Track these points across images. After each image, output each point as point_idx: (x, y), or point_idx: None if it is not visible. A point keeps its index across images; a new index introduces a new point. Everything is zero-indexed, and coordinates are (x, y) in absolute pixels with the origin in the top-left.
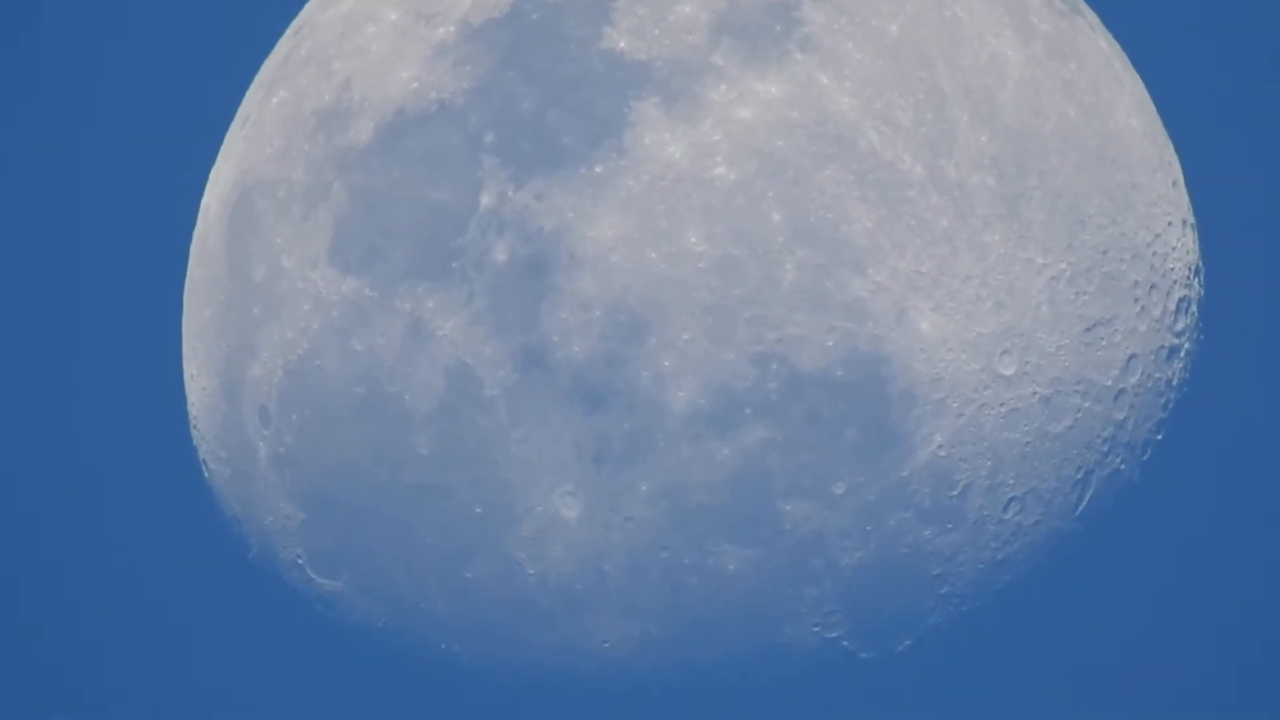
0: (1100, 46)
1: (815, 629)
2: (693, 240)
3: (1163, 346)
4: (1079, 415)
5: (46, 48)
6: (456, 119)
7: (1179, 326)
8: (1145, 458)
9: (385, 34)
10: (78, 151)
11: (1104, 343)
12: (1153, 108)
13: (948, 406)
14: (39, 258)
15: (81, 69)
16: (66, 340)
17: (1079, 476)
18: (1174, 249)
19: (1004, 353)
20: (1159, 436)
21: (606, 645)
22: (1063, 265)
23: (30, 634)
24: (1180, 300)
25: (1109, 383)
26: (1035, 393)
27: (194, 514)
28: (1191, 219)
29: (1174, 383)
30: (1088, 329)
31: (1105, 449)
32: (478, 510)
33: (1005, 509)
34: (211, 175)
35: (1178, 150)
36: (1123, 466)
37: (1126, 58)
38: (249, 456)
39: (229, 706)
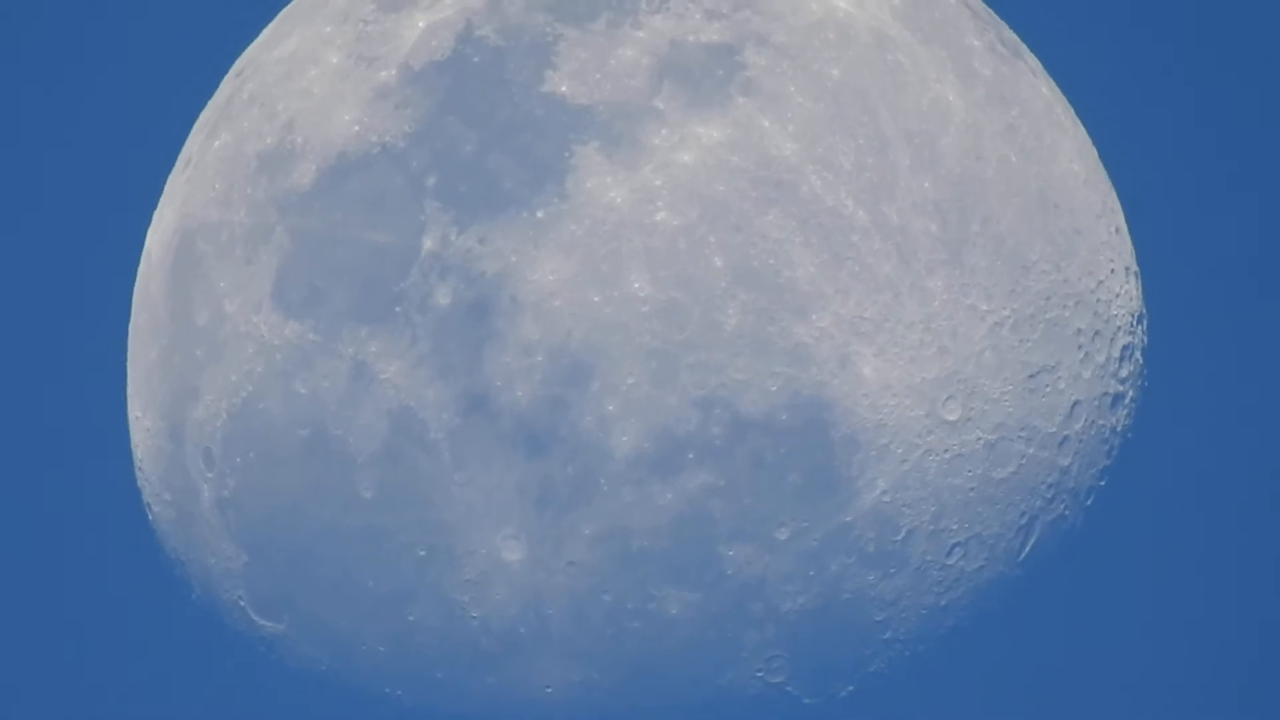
0: (1042, 92)
1: (758, 674)
2: (635, 285)
3: (1106, 393)
4: (1023, 461)
5: None
6: (398, 162)
7: (1123, 373)
8: (1089, 503)
9: (327, 76)
10: (20, 196)
11: (1048, 389)
12: (1095, 153)
13: (891, 452)
14: None
15: (23, 112)
16: (11, 382)
17: (1023, 522)
18: (1117, 295)
19: (948, 398)
20: (1103, 482)
21: (549, 690)
22: (1006, 311)
23: None
24: (1124, 347)
25: (1053, 429)
26: (979, 438)
27: (137, 556)
28: (1134, 266)
29: (1118, 429)
30: (1031, 375)
31: (1049, 495)
32: (420, 553)
33: (949, 554)
34: (154, 218)
35: (1120, 196)
36: (1067, 512)
37: (1068, 103)
38: (193, 498)
39: None
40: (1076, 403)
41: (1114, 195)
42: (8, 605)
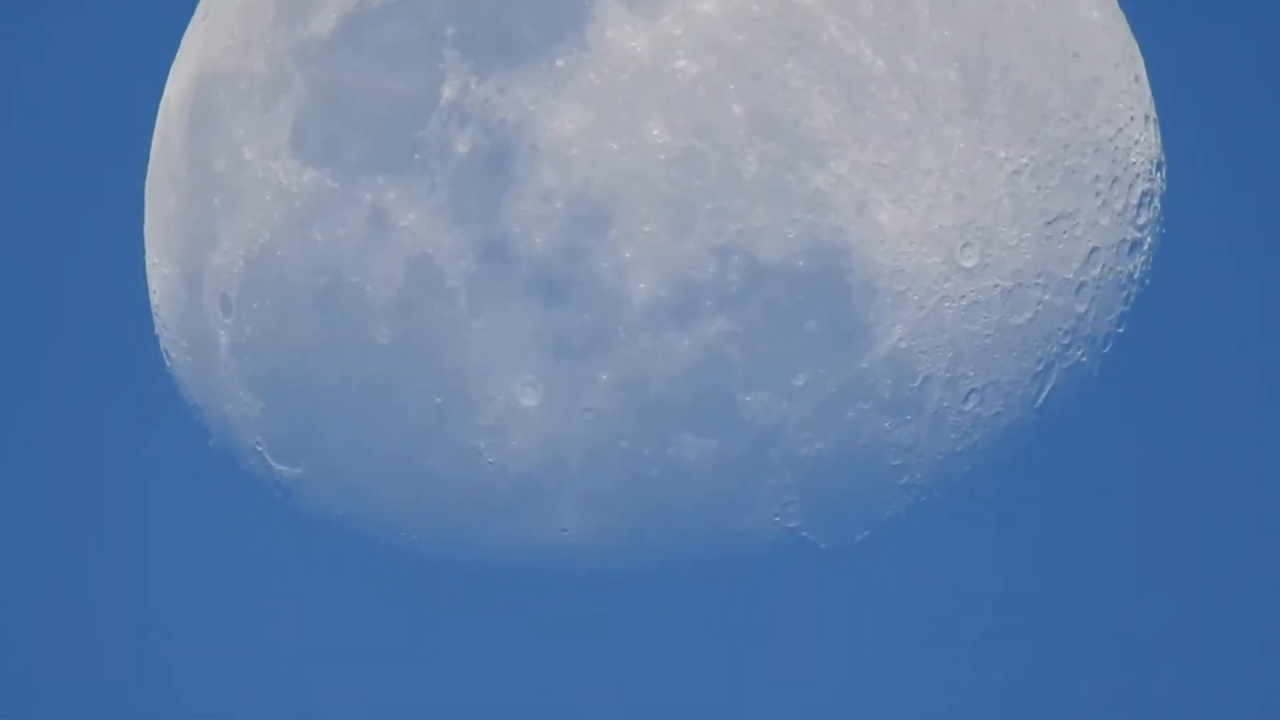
0: None
1: (774, 519)
2: (654, 133)
3: (1124, 240)
4: (1040, 308)
5: None
6: (418, 12)
7: (1141, 220)
8: (1106, 350)
9: None
10: (39, 45)
11: (1065, 236)
12: (1114, 1)
13: (908, 299)
14: (4, 147)
15: None
16: (29, 228)
17: (1039, 369)
18: (1136, 143)
19: (965, 245)
20: (1120, 329)
21: (565, 534)
22: (1024, 159)
23: None
24: (1143, 194)
25: (1070, 275)
26: (996, 285)
27: (155, 401)
28: (1153, 114)
29: (1135, 276)
30: (1049, 222)
31: (1066, 341)
32: (437, 400)
33: (965, 401)
34: (173, 69)
35: (1139, 44)
36: (1083, 359)
37: None
38: (209, 345)
39: (187, 593)
40: (1094, 249)
41: (1134, 43)
42: (24, 451)
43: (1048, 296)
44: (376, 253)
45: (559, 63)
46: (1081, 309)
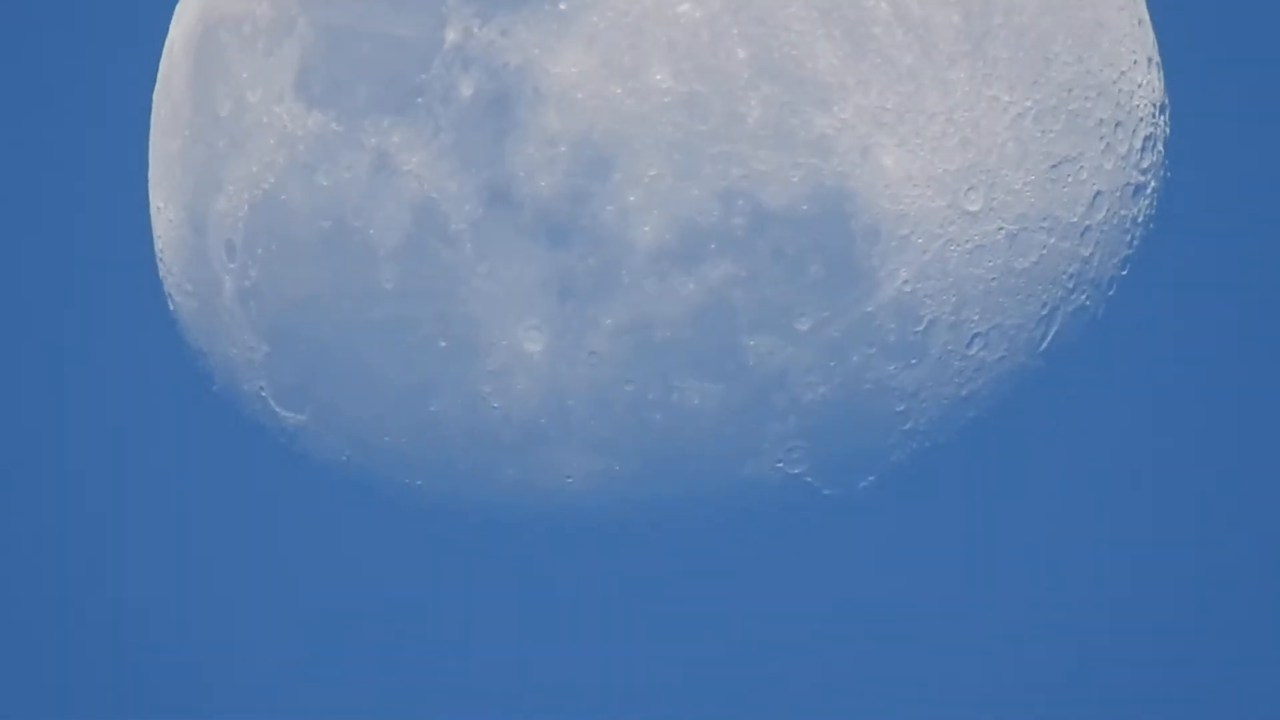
0: None
1: (778, 465)
2: (658, 77)
3: (1129, 183)
4: (1044, 251)
5: None
6: None
7: (1145, 164)
8: (1111, 294)
9: None
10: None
11: (1070, 179)
12: None
13: (912, 242)
14: (4, 93)
15: None
16: (34, 172)
17: (1044, 312)
18: (1139, 86)
19: (969, 189)
20: (1124, 273)
21: (570, 480)
22: (1028, 103)
23: None
24: (1146, 138)
25: (1075, 219)
26: (1001, 229)
27: (159, 345)
28: (1156, 57)
29: (1140, 220)
30: (1053, 166)
31: (1070, 285)
32: (442, 344)
33: (969, 345)
34: (176, 12)
35: None
36: (1088, 303)
37: None
38: (214, 289)
39: (191, 538)
40: (1098, 193)
41: None
42: (30, 393)
43: (1052, 240)
44: (381, 197)
45: (562, 6)
46: (1086, 253)
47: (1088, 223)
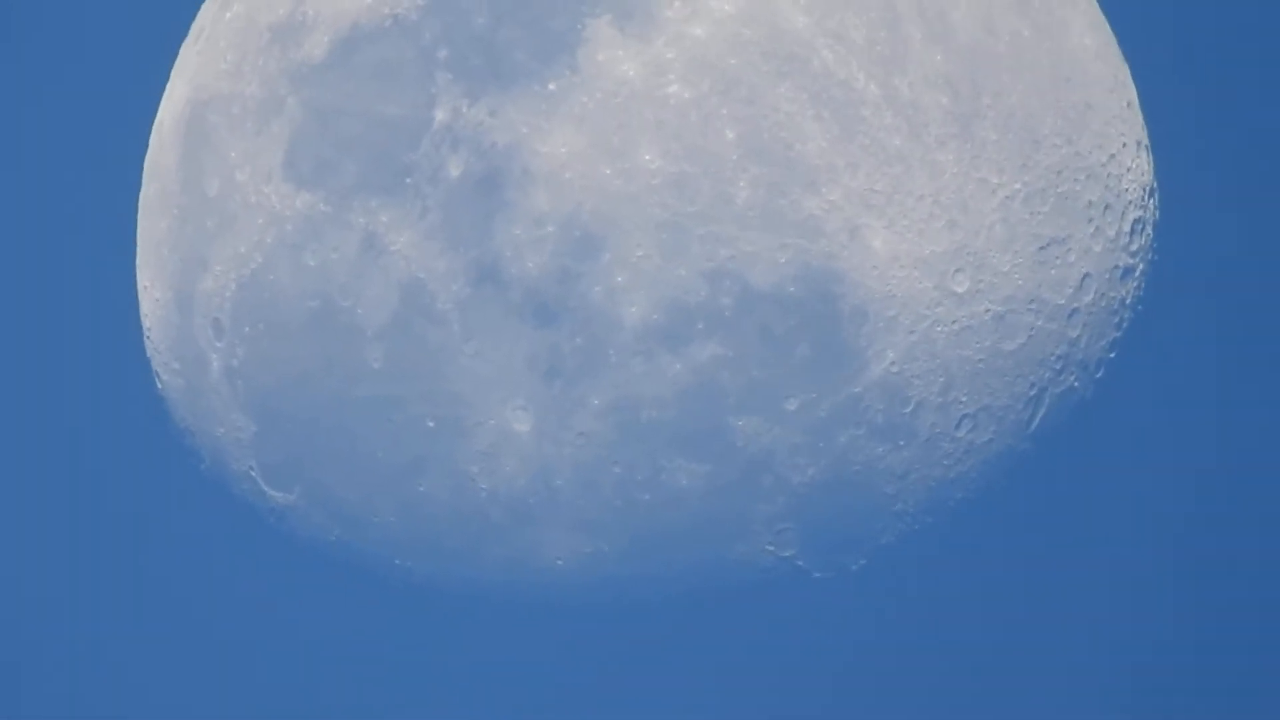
0: None
1: (768, 547)
2: (646, 157)
3: (1117, 266)
4: (1032, 333)
5: None
6: (410, 34)
7: (1133, 246)
8: (1099, 376)
9: None
10: (33, 65)
11: (1058, 261)
12: (1107, 27)
13: (900, 323)
14: None
15: None
16: (22, 249)
17: (1032, 394)
18: (1129, 170)
19: (957, 270)
20: (1112, 355)
21: (559, 561)
22: (1017, 185)
23: None
24: (1135, 221)
25: (1062, 301)
26: (988, 310)
27: (147, 426)
28: (1146, 140)
29: (1128, 302)
30: (1041, 248)
31: (1059, 367)
32: (430, 424)
33: (958, 426)
34: (166, 90)
35: (1132, 71)
36: (1076, 384)
37: None
38: (201, 368)
39: (179, 617)
40: (1086, 275)
41: (1126, 70)
42: (17, 473)
43: (1040, 322)
44: (369, 276)
45: (551, 86)
46: (1074, 334)
47: (1076, 305)
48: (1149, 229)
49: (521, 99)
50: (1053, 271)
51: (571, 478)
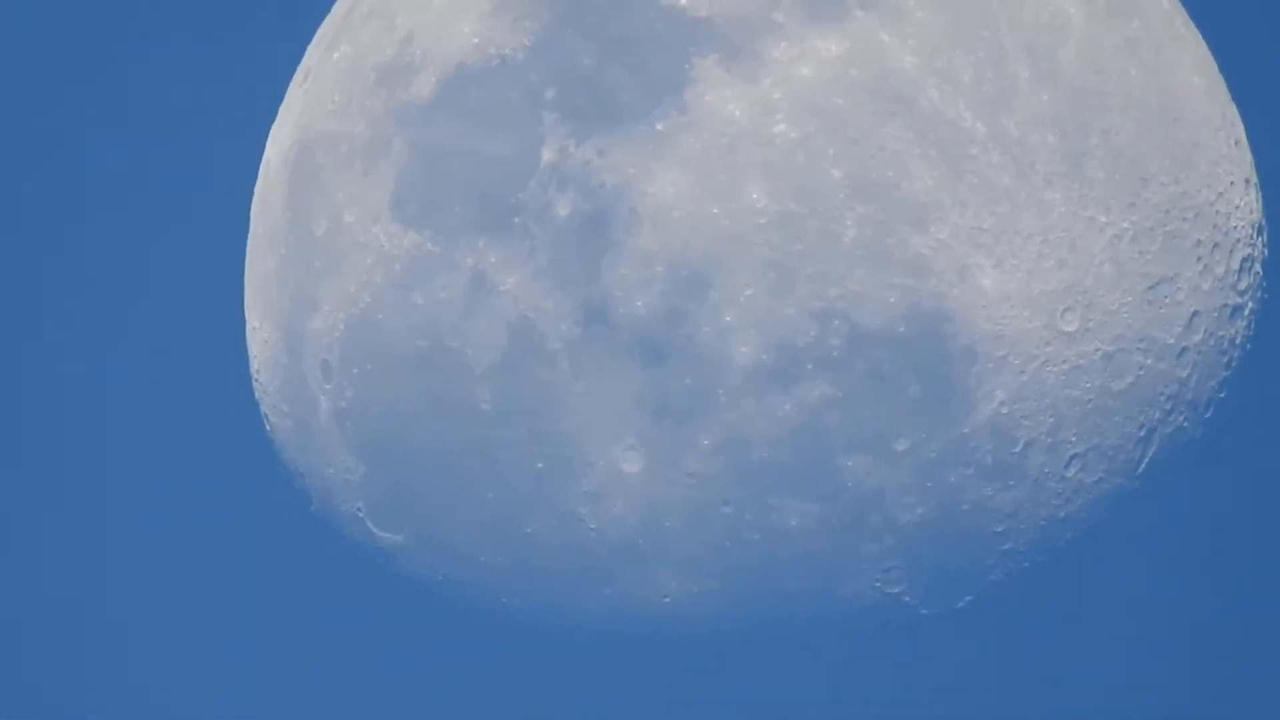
0: (1161, 4)
1: (876, 584)
2: (754, 197)
3: (1226, 304)
4: (1142, 373)
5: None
6: (517, 74)
7: (1242, 285)
8: (1208, 415)
9: None
10: (142, 104)
11: (1167, 300)
12: (1215, 66)
13: (1009, 363)
14: (102, 211)
15: (146, 21)
16: (130, 292)
17: (1141, 434)
18: (1237, 208)
19: (1066, 310)
20: (1222, 394)
21: (667, 600)
22: (1125, 224)
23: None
24: (1243, 259)
25: (1172, 340)
26: (1098, 350)
27: (255, 467)
28: (1254, 178)
29: (1237, 340)
30: (1150, 287)
31: (1168, 406)
32: (538, 465)
33: (1067, 466)
34: (273, 130)
35: (1239, 109)
36: (1185, 424)
37: (1188, 16)
38: (310, 410)
39: (288, 659)
40: (1195, 314)
41: (1233, 108)
42: (127, 517)
43: (1149, 361)
44: (477, 316)
45: (658, 126)
46: (1183, 374)
47: (1185, 344)
48: (1257, 267)
49: (629, 139)
50: (1161, 310)
51: (680, 518)
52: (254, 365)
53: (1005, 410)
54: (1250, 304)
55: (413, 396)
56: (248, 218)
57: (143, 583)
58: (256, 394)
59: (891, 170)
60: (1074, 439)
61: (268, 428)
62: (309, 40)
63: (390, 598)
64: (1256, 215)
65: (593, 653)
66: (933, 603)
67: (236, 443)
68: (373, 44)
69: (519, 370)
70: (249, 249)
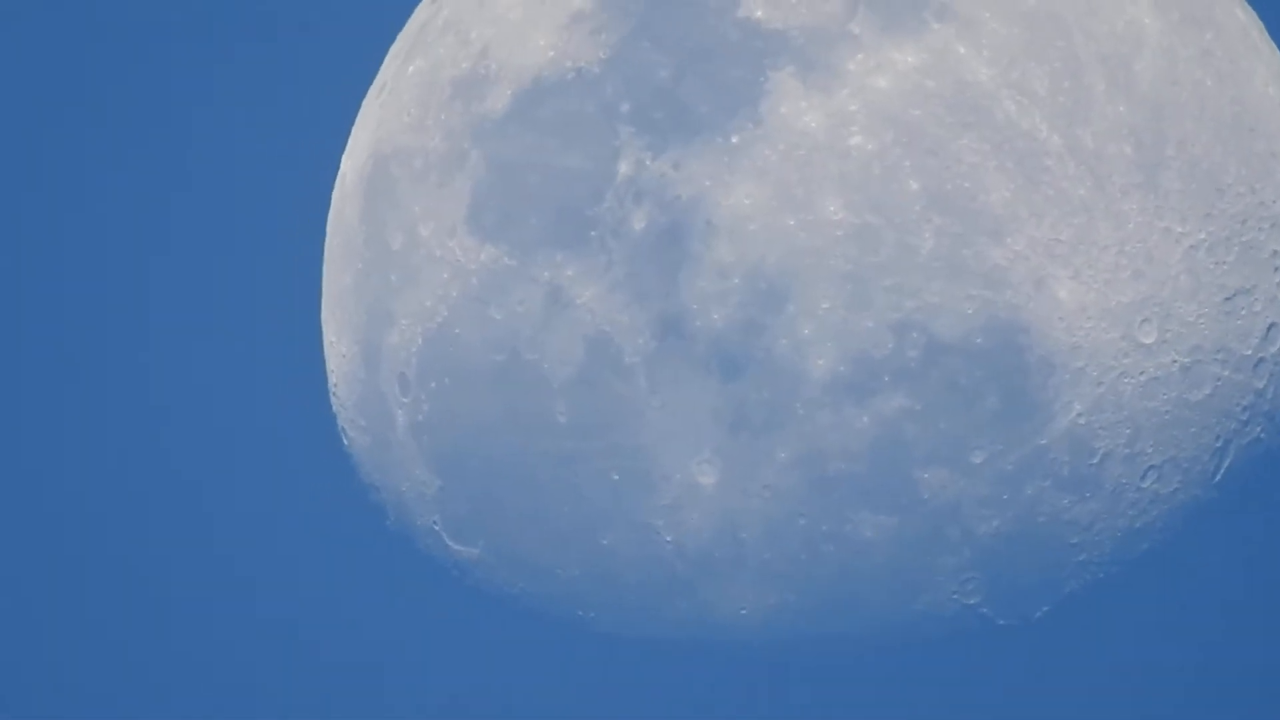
0: (1237, 15)
1: (953, 596)
2: (830, 209)
3: None
4: (1218, 384)
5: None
6: (593, 87)
7: None
8: None
9: (522, 2)
10: (219, 120)
11: (1244, 311)
12: None
13: (1086, 375)
14: (180, 225)
15: (222, 38)
16: (208, 306)
17: (1218, 445)
18: None
19: (1143, 321)
20: None
21: (743, 613)
22: (1201, 234)
23: (168, 600)
24: None
25: (1249, 351)
26: (1175, 361)
27: (333, 481)
28: None
29: None
30: (1227, 298)
31: (1245, 417)
32: (615, 477)
33: (1144, 477)
34: (348, 145)
35: None
36: (1262, 435)
37: (1264, 27)
38: (387, 424)
39: (367, 672)
40: (1272, 325)
41: None
42: (206, 530)
43: (1226, 372)
44: (554, 330)
45: (734, 139)
46: (1260, 385)
47: (1261, 355)
48: None
49: (705, 152)
50: (1238, 321)
51: (757, 530)
52: (331, 380)
53: (1082, 422)
54: None
55: (489, 410)
56: (324, 232)
57: (222, 598)
58: (334, 408)
59: (968, 182)
60: (1151, 450)
61: (345, 442)
62: (384, 53)
63: (468, 611)
64: None
65: (669, 665)
66: (1010, 614)
67: (314, 457)
68: (448, 57)
69: (596, 384)
70: (325, 262)
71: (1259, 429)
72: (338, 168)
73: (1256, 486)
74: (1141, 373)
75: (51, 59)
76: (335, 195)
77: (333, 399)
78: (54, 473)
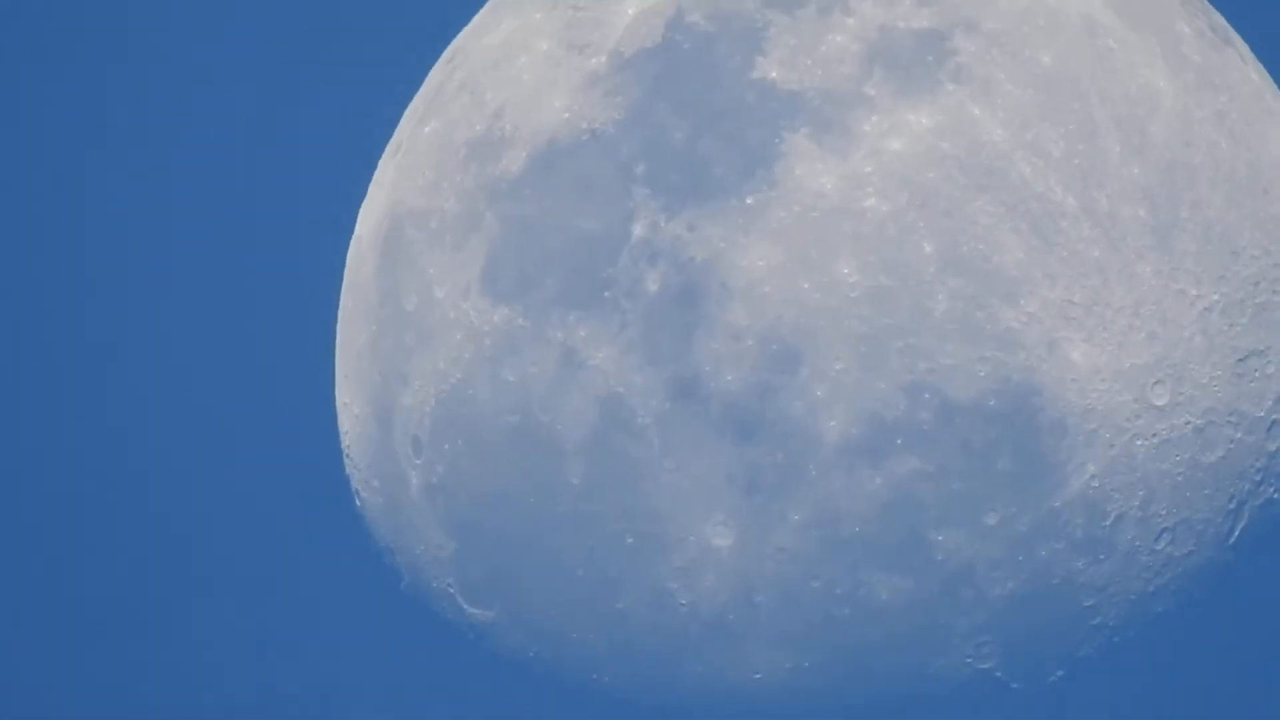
0: (1251, 78)
1: (967, 660)
2: (844, 270)
3: None
4: (1232, 446)
5: (204, 77)
6: (608, 149)
7: None
8: None
9: (537, 63)
10: (234, 179)
11: (1257, 374)
12: None
13: (1100, 437)
14: (197, 282)
15: (239, 99)
16: (221, 366)
17: (1232, 507)
18: None
19: (1156, 383)
20: None
21: (758, 676)
22: (1215, 296)
23: (180, 661)
24: None
25: (1262, 414)
26: (1188, 423)
27: (346, 544)
28: None
29: None
30: (1240, 360)
31: (1258, 479)
32: (629, 540)
33: (1157, 540)
34: (364, 204)
35: None
36: (1276, 496)
37: (1278, 89)
38: (401, 485)
39: None
40: None
41: None
42: (217, 591)
43: (1240, 434)
44: (568, 391)
45: (749, 200)
46: (1274, 447)
47: (1275, 417)
48: None
49: (719, 213)
50: (1252, 384)
51: (771, 593)
52: (345, 441)
53: (1096, 484)
54: None
55: (503, 472)
56: (339, 292)
57: (235, 661)
58: (347, 469)
59: (982, 244)
60: (1164, 512)
61: (358, 503)
62: (400, 114)
63: (482, 675)
64: None
65: None
66: (1024, 678)
67: (328, 519)
68: (463, 118)
69: (609, 446)
70: (340, 323)
71: (1273, 490)
72: (353, 227)
73: (1271, 548)
74: (1155, 435)
75: (78, 119)
76: (350, 255)
77: (346, 460)
78: (63, 542)
